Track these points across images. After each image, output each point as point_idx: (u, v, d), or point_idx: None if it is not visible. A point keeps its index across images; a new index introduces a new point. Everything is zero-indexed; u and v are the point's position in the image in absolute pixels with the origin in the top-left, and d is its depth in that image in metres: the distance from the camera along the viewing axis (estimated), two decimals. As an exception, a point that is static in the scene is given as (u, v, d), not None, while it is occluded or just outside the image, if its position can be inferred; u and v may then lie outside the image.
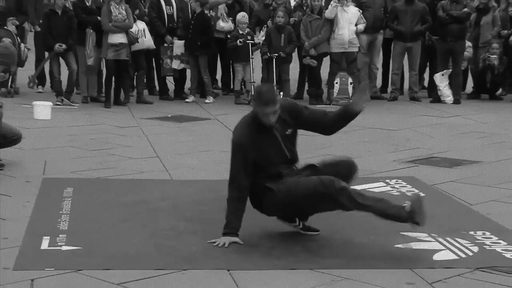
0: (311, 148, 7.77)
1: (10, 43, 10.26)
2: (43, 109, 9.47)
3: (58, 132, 8.69)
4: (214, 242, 4.71)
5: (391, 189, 6.25)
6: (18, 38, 10.91)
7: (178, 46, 11.26)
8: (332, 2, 11.08)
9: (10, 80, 10.47)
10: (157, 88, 11.98)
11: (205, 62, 11.21)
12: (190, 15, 11.40)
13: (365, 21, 11.24)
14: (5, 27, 10.97)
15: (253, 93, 11.14)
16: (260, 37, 11.49)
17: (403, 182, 6.46)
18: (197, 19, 11.07)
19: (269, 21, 11.72)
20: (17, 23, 11.35)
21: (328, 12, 11.05)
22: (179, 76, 11.69)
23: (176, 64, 11.30)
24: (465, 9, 11.44)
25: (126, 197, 5.82)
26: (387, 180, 6.53)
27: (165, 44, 11.38)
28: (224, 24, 11.56)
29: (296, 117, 4.84)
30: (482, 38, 11.81)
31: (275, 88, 4.74)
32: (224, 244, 4.68)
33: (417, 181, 6.53)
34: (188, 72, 11.61)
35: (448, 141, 8.57)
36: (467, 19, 11.59)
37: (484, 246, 4.75)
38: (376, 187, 6.29)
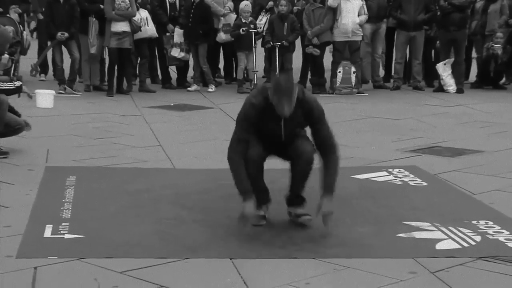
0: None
1: (13, 31, 10.27)
2: (45, 97, 9.44)
3: (61, 120, 8.69)
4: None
5: (394, 178, 6.25)
6: (20, 26, 10.91)
7: (178, 34, 11.23)
8: None
9: (12, 68, 10.45)
10: (160, 76, 11.97)
11: (204, 51, 11.19)
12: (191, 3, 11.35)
13: (366, 12, 11.20)
14: (8, 15, 10.95)
15: (255, 82, 11.18)
16: (258, 21, 11.46)
17: (405, 171, 6.45)
18: (197, 8, 11.04)
19: (270, 2, 11.66)
20: (20, 11, 11.34)
21: (331, 1, 11.02)
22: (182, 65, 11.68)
23: (176, 52, 11.26)
24: (467, -3, 11.43)
25: (129, 186, 5.82)
26: (390, 169, 6.52)
27: (167, 33, 11.35)
28: (225, 37, 11.47)
29: (306, 118, 4.74)
30: (489, 26, 11.76)
31: (292, 79, 4.65)
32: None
33: (420, 170, 6.52)
34: (191, 61, 11.60)
35: (451, 130, 8.56)
36: (469, 7, 11.56)
37: (487, 236, 4.74)
38: (379, 176, 6.29)
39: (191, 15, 11.03)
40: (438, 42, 11.81)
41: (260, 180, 4.88)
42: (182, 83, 11.68)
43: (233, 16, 11.48)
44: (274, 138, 4.80)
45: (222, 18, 11.45)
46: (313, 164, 4.84)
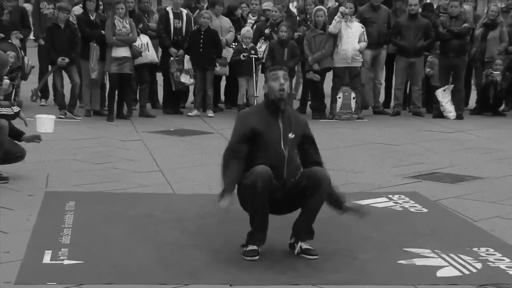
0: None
1: (14, 56, 10.31)
2: (46, 122, 9.43)
3: (61, 145, 8.69)
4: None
5: (394, 204, 6.24)
6: (22, 51, 10.95)
7: (187, 60, 11.30)
8: (336, 17, 11.10)
9: (13, 93, 10.48)
10: (160, 101, 11.99)
11: (212, 76, 11.26)
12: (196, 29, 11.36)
13: (366, 39, 11.25)
14: (9, 41, 11.00)
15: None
16: (257, 47, 11.50)
17: (406, 198, 6.44)
18: (206, 35, 11.08)
19: (267, 30, 11.71)
20: (21, 36, 11.38)
21: (332, 27, 11.07)
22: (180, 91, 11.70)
23: (186, 79, 11.30)
24: (465, 24, 11.46)
25: (129, 211, 5.81)
26: (390, 195, 6.51)
27: (171, 58, 11.38)
28: (220, 70, 11.54)
29: (299, 131, 4.88)
30: (488, 53, 11.82)
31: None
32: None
33: (420, 196, 6.51)
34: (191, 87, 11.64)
35: (451, 157, 8.56)
36: (468, 34, 11.62)
37: (488, 263, 4.73)
38: (379, 202, 6.28)
39: (201, 41, 11.05)
40: (428, 69, 11.85)
41: (265, 208, 4.68)
42: (176, 109, 11.64)
43: (230, 50, 11.51)
44: (276, 157, 4.72)
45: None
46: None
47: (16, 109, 6.83)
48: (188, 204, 6.12)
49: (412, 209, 6.08)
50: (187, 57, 11.28)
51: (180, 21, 11.49)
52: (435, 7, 13.14)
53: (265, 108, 4.86)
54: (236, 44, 11.66)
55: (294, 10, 12.87)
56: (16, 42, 11.05)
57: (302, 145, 4.92)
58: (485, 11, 12.47)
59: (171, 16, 11.45)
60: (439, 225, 5.64)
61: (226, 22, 11.81)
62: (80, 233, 5.17)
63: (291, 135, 4.80)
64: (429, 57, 11.87)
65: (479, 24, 11.96)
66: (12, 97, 10.85)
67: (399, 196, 6.49)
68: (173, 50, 11.39)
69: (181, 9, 11.58)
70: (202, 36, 11.07)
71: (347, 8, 11.28)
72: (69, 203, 5.94)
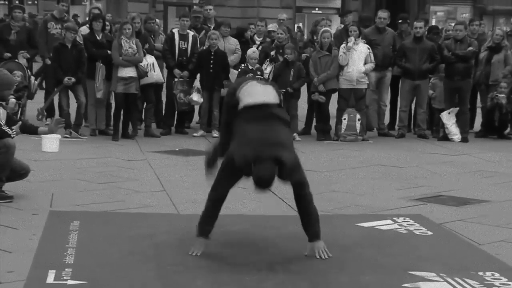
0: (318, 184, 7.75)
1: (21, 76, 10.36)
2: (51, 141, 9.48)
3: (66, 164, 8.70)
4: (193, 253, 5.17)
5: (398, 227, 6.22)
6: (28, 71, 11.00)
7: (198, 79, 11.34)
8: (343, 49, 11.09)
9: (19, 112, 10.51)
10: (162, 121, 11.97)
11: (218, 96, 11.29)
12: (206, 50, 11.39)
13: (373, 61, 11.27)
14: (16, 60, 11.06)
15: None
16: (263, 68, 11.53)
17: (410, 220, 6.42)
18: (217, 56, 11.13)
19: (273, 52, 11.75)
20: (28, 56, 11.45)
21: (342, 60, 11.06)
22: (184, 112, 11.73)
23: (197, 97, 11.32)
24: (470, 48, 11.49)
25: (133, 231, 5.80)
26: (395, 218, 6.49)
27: (176, 79, 11.42)
28: (223, 91, 11.61)
29: None
30: (492, 76, 11.84)
31: None
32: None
33: (425, 219, 6.49)
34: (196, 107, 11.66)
35: (456, 180, 8.54)
36: (473, 58, 11.65)
37: (494, 287, 4.70)
38: (384, 225, 6.26)
39: (212, 62, 11.08)
40: (431, 92, 11.87)
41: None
42: (181, 130, 11.66)
43: (234, 71, 11.53)
44: None
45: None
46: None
47: (13, 134, 6.75)
48: (192, 224, 6.05)
49: (417, 232, 6.06)
50: (198, 76, 11.32)
51: (186, 42, 11.54)
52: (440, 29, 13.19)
53: None
54: (244, 65, 11.70)
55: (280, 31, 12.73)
56: (23, 61, 11.10)
57: None
58: (490, 34, 12.51)
59: (176, 37, 11.51)
60: (444, 248, 5.62)
61: (232, 43, 11.85)
62: (84, 253, 5.16)
63: None
64: (432, 78, 11.91)
65: (484, 48, 11.99)
66: (18, 116, 10.90)
67: (404, 219, 6.47)
68: (176, 71, 11.43)
69: (188, 30, 11.65)
70: (212, 57, 11.11)
71: (351, 32, 11.30)
72: (74, 223, 5.94)
